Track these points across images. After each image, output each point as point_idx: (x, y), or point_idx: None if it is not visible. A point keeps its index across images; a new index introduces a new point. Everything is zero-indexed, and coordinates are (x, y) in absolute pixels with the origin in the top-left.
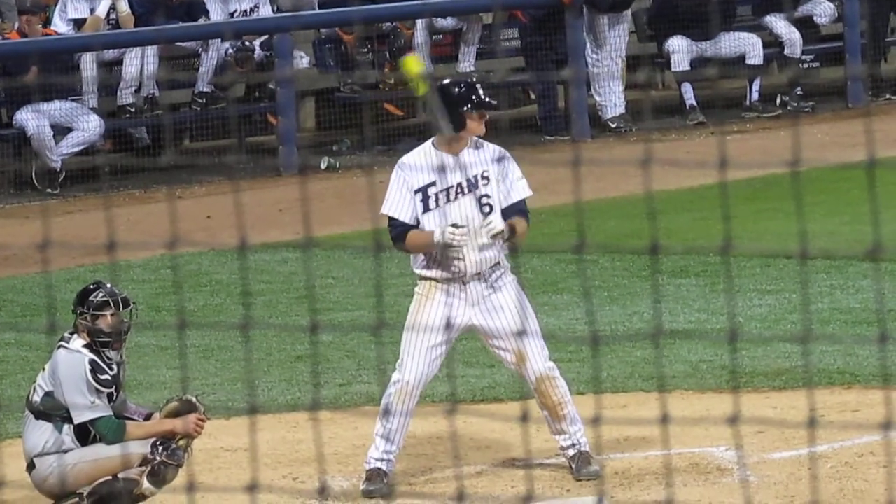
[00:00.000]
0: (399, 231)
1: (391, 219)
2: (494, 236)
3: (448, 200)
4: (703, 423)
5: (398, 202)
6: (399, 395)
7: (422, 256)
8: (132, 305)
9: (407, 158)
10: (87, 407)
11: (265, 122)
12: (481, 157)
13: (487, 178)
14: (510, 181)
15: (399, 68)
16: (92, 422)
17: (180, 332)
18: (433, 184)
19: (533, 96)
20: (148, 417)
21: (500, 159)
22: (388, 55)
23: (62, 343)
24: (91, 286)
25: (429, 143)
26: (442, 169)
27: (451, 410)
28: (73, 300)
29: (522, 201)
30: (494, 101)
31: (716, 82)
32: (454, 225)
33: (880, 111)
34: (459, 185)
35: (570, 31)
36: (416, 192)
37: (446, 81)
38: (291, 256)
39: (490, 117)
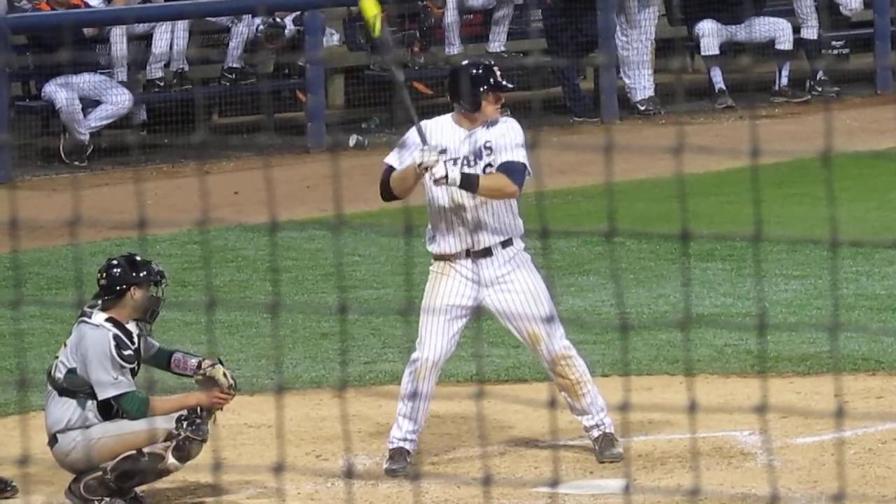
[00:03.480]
0: (385, 176)
1: (387, 168)
2: (437, 181)
3: None
4: (728, 407)
5: (401, 156)
6: (419, 373)
7: (433, 234)
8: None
9: (427, 123)
10: (110, 383)
11: (294, 99)
12: (491, 132)
13: (490, 149)
14: (506, 146)
15: (359, 8)
16: (116, 398)
17: (208, 308)
18: (444, 151)
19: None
20: (199, 366)
21: (506, 124)
22: (417, 34)
23: (84, 318)
24: (137, 258)
25: (448, 116)
26: (455, 141)
27: (478, 392)
28: (121, 274)
29: (513, 162)
30: (511, 85)
31: (745, 67)
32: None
33: None
34: (467, 157)
35: (601, 13)
36: None
37: (464, 63)
38: (318, 233)
39: (520, 98)
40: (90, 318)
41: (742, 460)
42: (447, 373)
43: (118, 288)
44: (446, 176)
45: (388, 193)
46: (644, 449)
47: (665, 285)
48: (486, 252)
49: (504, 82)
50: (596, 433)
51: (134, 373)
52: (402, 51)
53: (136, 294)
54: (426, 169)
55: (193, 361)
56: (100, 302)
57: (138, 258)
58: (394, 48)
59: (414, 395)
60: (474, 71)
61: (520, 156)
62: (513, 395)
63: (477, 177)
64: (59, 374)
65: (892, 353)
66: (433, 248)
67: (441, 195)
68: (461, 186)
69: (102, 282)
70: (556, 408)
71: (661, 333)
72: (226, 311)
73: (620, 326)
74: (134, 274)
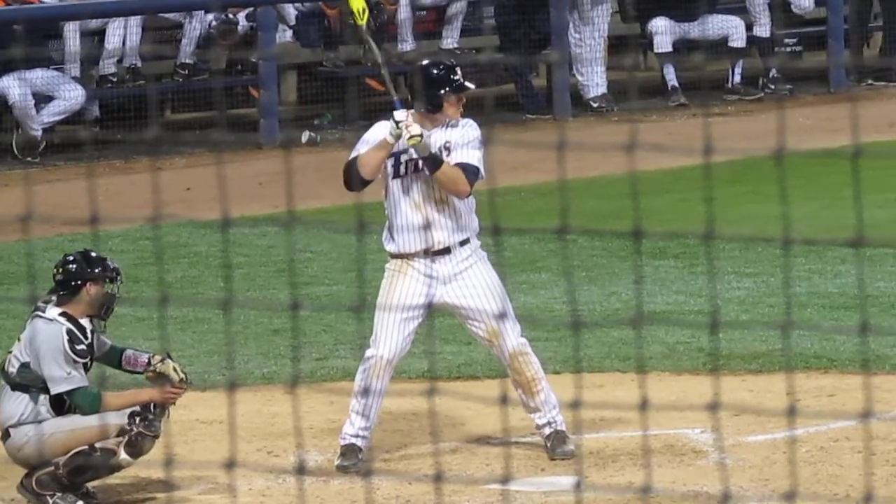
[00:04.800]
0: (350, 161)
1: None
2: (411, 138)
3: (416, 170)
4: (680, 404)
5: (368, 140)
6: (373, 370)
7: (391, 233)
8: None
9: (387, 122)
10: (63, 378)
11: (247, 95)
12: (450, 132)
13: (449, 149)
14: (463, 145)
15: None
16: (68, 393)
17: (160, 304)
18: (406, 151)
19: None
20: (149, 362)
21: (465, 126)
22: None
23: (38, 313)
24: (93, 254)
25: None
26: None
27: (430, 389)
28: (77, 269)
29: (468, 164)
30: (473, 85)
31: (698, 65)
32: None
33: (862, 96)
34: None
35: (554, 10)
36: (391, 155)
37: (425, 62)
38: (270, 230)
39: (473, 95)
40: (44, 312)
41: (694, 458)
42: (399, 370)
43: (73, 283)
44: (421, 134)
45: (353, 176)
46: (596, 446)
47: (617, 283)
48: (445, 251)
49: (466, 83)
50: (548, 430)
51: (87, 368)
52: (355, 47)
53: (92, 290)
54: (400, 128)
55: (144, 358)
56: (55, 297)
57: (94, 254)
58: (376, 34)
59: (367, 392)
60: (435, 71)
61: (475, 158)
62: (465, 392)
63: (442, 161)
64: (13, 369)
65: (844, 352)
66: (391, 247)
67: (401, 193)
68: (425, 159)
69: (58, 277)
70: (507, 405)
71: (614, 331)
72: (178, 307)
73: (572, 323)
74: (90, 270)
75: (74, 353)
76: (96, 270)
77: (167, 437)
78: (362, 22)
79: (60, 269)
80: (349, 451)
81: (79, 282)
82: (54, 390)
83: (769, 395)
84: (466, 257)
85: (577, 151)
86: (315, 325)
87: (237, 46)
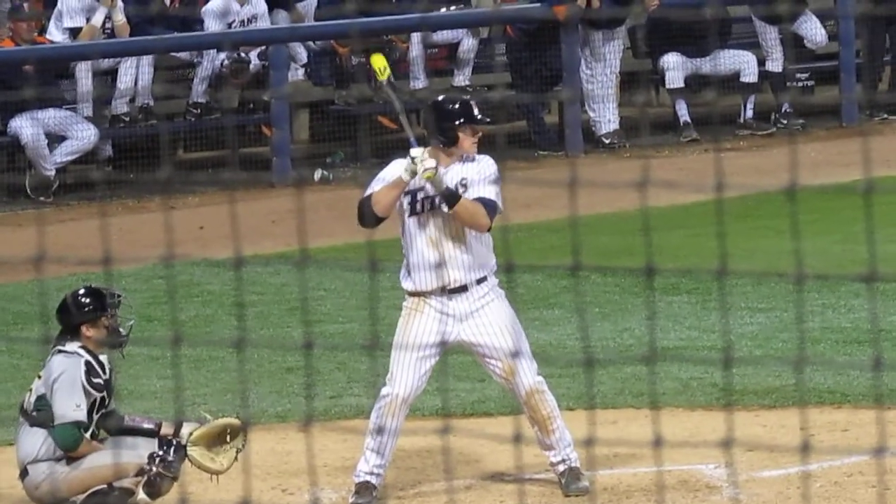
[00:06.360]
0: (365, 199)
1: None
2: (426, 171)
3: (432, 207)
4: (693, 440)
5: (384, 176)
6: (389, 408)
7: (408, 270)
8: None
9: (403, 160)
10: (71, 410)
11: (259, 134)
12: (466, 168)
13: (466, 186)
14: (480, 181)
15: (369, 62)
16: (69, 423)
17: (173, 343)
18: (422, 189)
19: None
20: (159, 426)
21: (481, 162)
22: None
23: (58, 347)
24: (102, 289)
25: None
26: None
27: (444, 428)
28: (85, 307)
29: (486, 198)
30: (488, 119)
31: (710, 100)
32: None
33: (874, 130)
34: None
35: (566, 47)
36: (407, 193)
37: (441, 97)
38: (283, 268)
39: (485, 132)
40: (65, 346)
41: (708, 494)
42: (413, 407)
43: (70, 328)
44: (436, 168)
45: (366, 213)
46: (609, 482)
47: (630, 319)
48: (461, 289)
49: (481, 116)
50: (562, 467)
51: (104, 403)
52: (366, 85)
53: (90, 331)
54: (415, 163)
55: (148, 426)
56: (68, 336)
57: (82, 291)
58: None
59: (382, 430)
60: (451, 106)
61: (492, 193)
62: (478, 430)
63: (459, 195)
64: (30, 405)
65: (857, 386)
66: (408, 286)
67: (417, 231)
68: (443, 194)
69: (58, 324)
70: (521, 442)
71: (627, 367)
72: (191, 346)
73: (585, 360)
74: (79, 312)
75: (90, 386)
76: (85, 310)
77: (181, 476)
78: (383, 78)
79: (57, 317)
80: (363, 488)
81: (73, 326)
82: (59, 421)
83: (783, 431)
84: (483, 295)
85: (590, 188)
86: (328, 363)
87: (249, 85)
